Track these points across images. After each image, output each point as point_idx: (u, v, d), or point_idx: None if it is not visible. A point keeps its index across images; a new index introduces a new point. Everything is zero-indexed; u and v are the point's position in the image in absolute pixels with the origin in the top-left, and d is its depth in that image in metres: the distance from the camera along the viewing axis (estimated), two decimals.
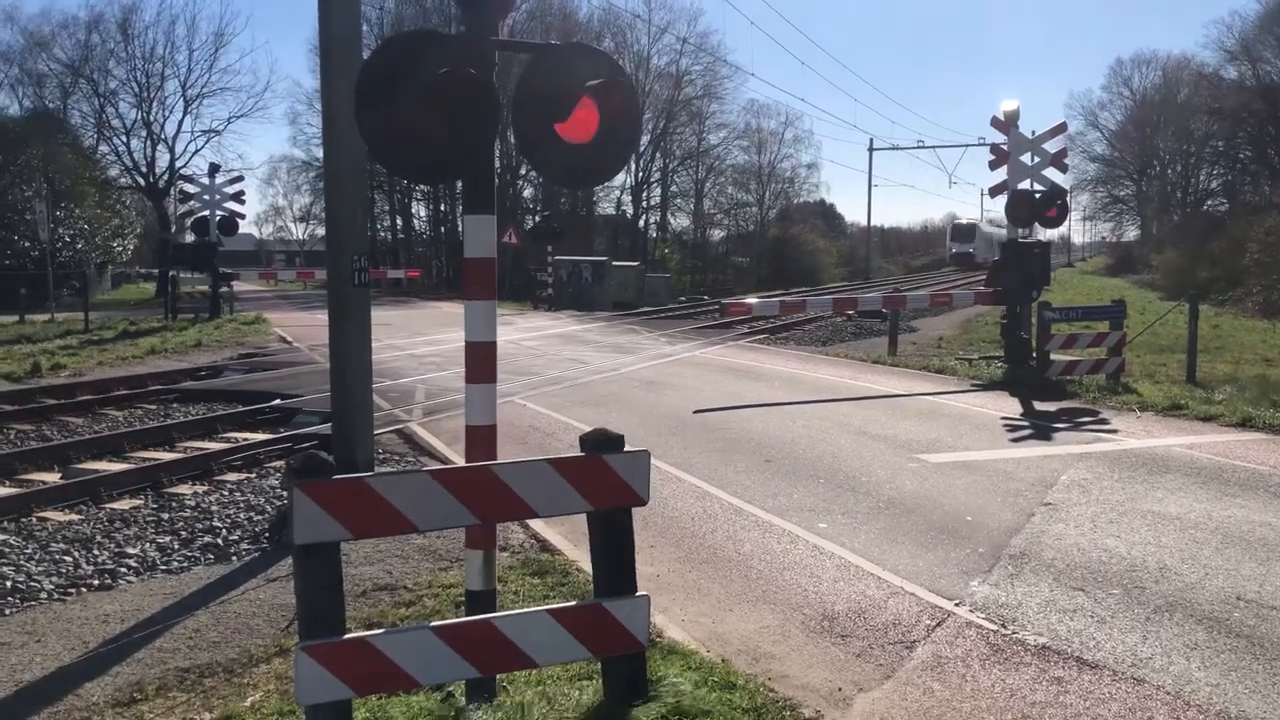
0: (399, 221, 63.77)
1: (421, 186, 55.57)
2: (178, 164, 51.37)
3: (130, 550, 7.29)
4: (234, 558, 7.20)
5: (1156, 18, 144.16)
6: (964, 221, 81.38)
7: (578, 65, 4.33)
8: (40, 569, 6.87)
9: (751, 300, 17.92)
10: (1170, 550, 6.88)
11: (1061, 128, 16.13)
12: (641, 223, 67.94)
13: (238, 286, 37.94)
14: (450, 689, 4.48)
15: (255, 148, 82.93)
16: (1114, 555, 6.79)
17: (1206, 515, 7.71)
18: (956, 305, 21.29)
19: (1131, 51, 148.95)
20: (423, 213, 64.99)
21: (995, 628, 5.58)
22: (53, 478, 9.44)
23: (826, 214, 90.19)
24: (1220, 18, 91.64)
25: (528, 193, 60.18)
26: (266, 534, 7.63)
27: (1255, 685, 4.87)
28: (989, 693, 4.80)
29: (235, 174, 32.29)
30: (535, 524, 7.32)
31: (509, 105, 4.37)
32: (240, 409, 13.03)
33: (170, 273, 32.53)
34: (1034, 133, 15.73)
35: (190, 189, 30.72)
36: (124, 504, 8.54)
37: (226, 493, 8.91)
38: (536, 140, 4.32)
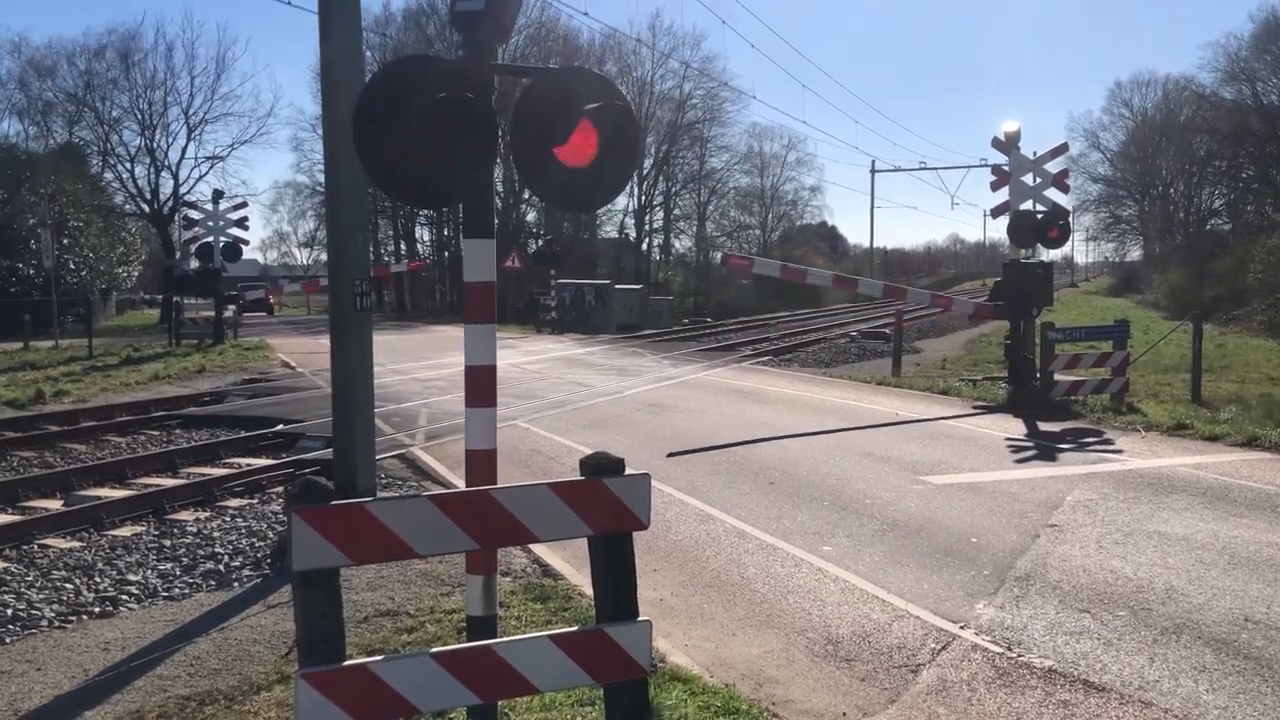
0: (402, 246, 64.13)
1: (423, 211, 55.91)
2: (182, 190, 51.85)
3: (132, 577, 7.27)
4: (235, 584, 7.16)
5: (1151, 40, 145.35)
6: None
7: (576, 89, 4.33)
8: (41, 596, 6.84)
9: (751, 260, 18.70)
10: (1177, 571, 6.83)
11: (1063, 148, 16.13)
12: (644, 245, 68.27)
13: (251, 298, 38.09)
14: (452, 716, 4.44)
15: (259, 174, 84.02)
16: (1120, 577, 6.74)
17: (1213, 536, 7.66)
18: (956, 325, 21.34)
19: (1129, 73, 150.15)
20: (426, 237, 65.46)
21: (1001, 651, 5.53)
22: (55, 505, 9.43)
23: (829, 236, 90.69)
24: (1216, 39, 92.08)
25: (530, 216, 60.59)
26: (268, 560, 7.60)
27: (1265, 708, 4.82)
28: (994, 717, 4.76)
29: (239, 200, 32.50)
30: (537, 548, 7.29)
31: (507, 129, 4.38)
32: (243, 434, 13.04)
33: (174, 299, 32.66)
34: (1035, 154, 15.75)
35: (195, 215, 30.92)
36: (126, 530, 8.53)
37: (228, 519, 8.89)
38: (535, 164, 4.32)
